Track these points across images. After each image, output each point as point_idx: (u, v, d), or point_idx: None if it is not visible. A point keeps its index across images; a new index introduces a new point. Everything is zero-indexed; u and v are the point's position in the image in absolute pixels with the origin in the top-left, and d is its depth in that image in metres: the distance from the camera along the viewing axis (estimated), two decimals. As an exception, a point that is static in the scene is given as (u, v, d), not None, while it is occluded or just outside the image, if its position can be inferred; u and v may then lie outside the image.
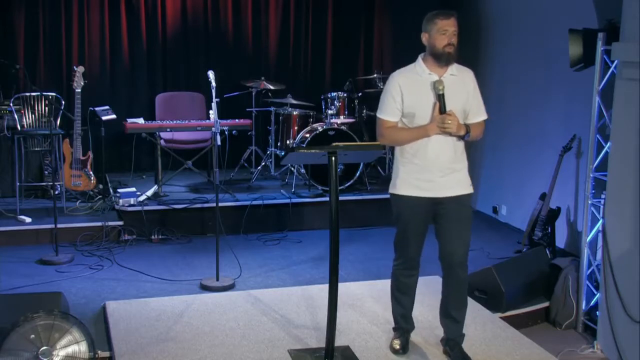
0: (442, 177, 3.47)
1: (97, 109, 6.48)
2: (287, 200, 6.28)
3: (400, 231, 3.60)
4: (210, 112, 4.86)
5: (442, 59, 3.41)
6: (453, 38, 3.39)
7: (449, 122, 3.37)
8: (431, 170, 3.46)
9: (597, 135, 4.52)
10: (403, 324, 3.79)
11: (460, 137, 3.47)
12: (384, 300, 4.52)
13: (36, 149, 6.46)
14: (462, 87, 3.49)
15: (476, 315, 4.23)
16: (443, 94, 3.38)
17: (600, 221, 4.43)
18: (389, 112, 3.50)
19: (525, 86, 6.11)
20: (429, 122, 3.42)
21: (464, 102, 3.49)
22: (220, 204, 5.09)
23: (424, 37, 3.44)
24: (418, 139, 3.45)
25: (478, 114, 3.56)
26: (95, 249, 5.59)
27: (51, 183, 5.96)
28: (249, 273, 5.12)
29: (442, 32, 3.37)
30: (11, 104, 6.42)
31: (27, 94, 6.51)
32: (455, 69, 3.48)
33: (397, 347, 3.73)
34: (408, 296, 3.74)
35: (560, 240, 5.53)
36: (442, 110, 3.38)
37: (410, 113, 3.46)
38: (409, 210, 3.53)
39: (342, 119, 6.88)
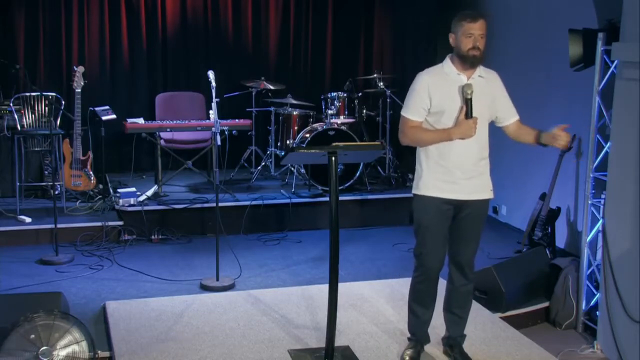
0: (466, 180, 3.43)
1: (97, 109, 6.49)
2: (287, 200, 6.28)
3: (422, 237, 3.51)
4: (210, 112, 4.86)
5: (467, 62, 3.35)
6: (479, 41, 3.32)
7: (472, 126, 3.36)
8: (455, 172, 3.41)
9: (597, 135, 4.52)
10: (419, 337, 3.71)
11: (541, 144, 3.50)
12: (384, 300, 4.53)
13: (36, 149, 6.46)
14: (488, 90, 3.44)
15: (476, 315, 4.22)
16: (471, 99, 3.32)
17: (600, 221, 4.43)
18: (414, 111, 3.44)
19: (525, 86, 6.10)
20: (453, 126, 3.37)
21: (490, 105, 3.45)
22: (220, 204, 5.09)
23: (451, 38, 3.39)
24: (440, 141, 3.40)
25: (512, 115, 3.54)
26: (95, 249, 5.59)
27: (51, 183, 5.96)
28: (249, 273, 5.12)
29: (468, 35, 3.31)
30: (11, 104, 6.41)
31: (27, 94, 6.51)
32: (483, 71, 3.44)
33: (407, 358, 3.66)
34: (427, 309, 3.65)
35: (560, 240, 5.52)
36: (469, 114, 3.33)
37: (437, 112, 3.41)
38: (431, 211, 3.45)
39: (342, 119, 6.88)
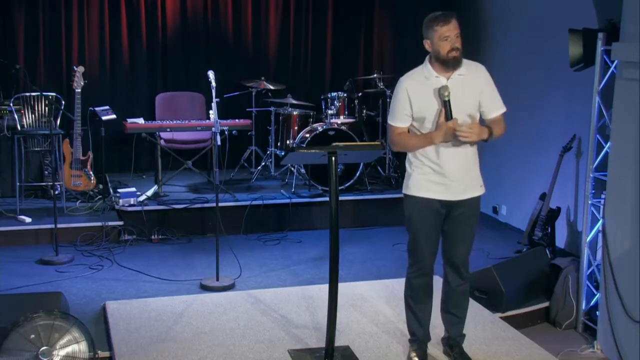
0: (455, 181, 3.41)
1: (97, 109, 6.49)
2: (287, 200, 6.28)
3: (413, 235, 3.52)
4: (210, 112, 4.86)
5: (449, 65, 3.33)
6: (456, 42, 3.30)
7: (470, 131, 3.29)
8: (444, 173, 3.40)
9: (597, 135, 4.52)
10: (420, 336, 3.69)
11: (485, 140, 3.39)
12: (384, 300, 4.53)
13: (36, 149, 6.46)
14: (472, 85, 3.40)
15: (476, 315, 4.23)
16: (449, 100, 3.30)
17: (600, 221, 4.42)
18: (398, 118, 3.44)
19: (525, 86, 6.11)
20: (435, 130, 3.36)
21: (475, 100, 3.42)
22: (220, 204, 5.09)
23: (427, 44, 3.36)
24: (426, 146, 3.40)
25: (496, 108, 3.47)
26: (95, 249, 5.59)
27: (51, 183, 5.96)
28: (249, 273, 5.12)
29: (444, 38, 3.28)
30: (11, 104, 6.42)
31: (27, 94, 6.51)
32: (463, 67, 3.39)
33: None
34: (424, 304, 3.64)
35: (560, 240, 5.52)
36: (449, 116, 3.31)
37: (419, 117, 3.40)
38: (421, 212, 3.46)
39: (342, 119, 6.88)
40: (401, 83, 3.44)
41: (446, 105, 3.31)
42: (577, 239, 5.30)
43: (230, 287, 4.79)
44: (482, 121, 3.50)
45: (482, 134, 3.37)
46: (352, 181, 6.50)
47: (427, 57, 3.43)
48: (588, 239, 4.60)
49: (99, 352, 3.64)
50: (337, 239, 3.46)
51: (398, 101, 3.43)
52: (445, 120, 3.32)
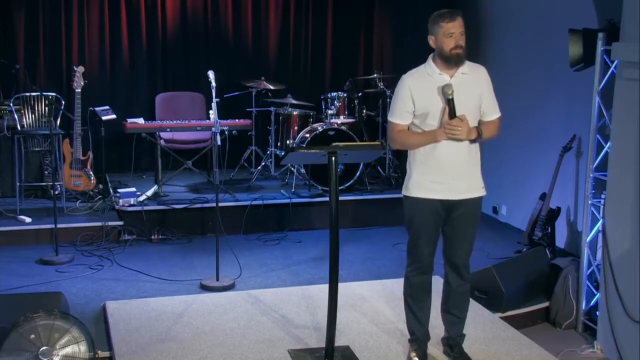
0: (455, 180, 3.41)
1: (97, 109, 6.49)
2: (287, 200, 6.28)
3: (413, 235, 3.53)
4: (210, 112, 4.86)
5: (451, 62, 3.34)
6: (460, 40, 3.31)
7: (459, 129, 3.31)
8: (444, 172, 3.40)
9: (597, 135, 4.52)
10: (420, 335, 3.69)
11: (472, 141, 3.41)
12: (383, 300, 4.53)
13: (36, 149, 6.46)
14: (474, 86, 3.42)
15: (476, 315, 4.23)
16: (452, 99, 3.31)
17: (600, 221, 4.43)
18: (399, 115, 3.45)
19: (525, 86, 6.11)
20: (439, 127, 3.36)
21: (477, 100, 3.43)
22: (220, 204, 5.09)
23: (431, 40, 3.37)
24: (428, 143, 3.40)
25: (492, 112, 3.49)
26: (95, 249, 5.59)
27: (51, 183, 5.96)
28: (249, 273, 5.12)
29: (449, 35, 3.30)
30: (11, 104, 6.42)
31: (27, 94, 6.51)
32: (467, 67, 3.40)
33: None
34: (423, 303, 3.64)
35: (560, 240, 5.52)
36: (452, 115, 3.31)
37: (422, 115, 3.40)
38: (422, 213, 3.46)
39: (342, 119, 6.88)
40: (403, 80, 3.44)
41: (450, 103, 3.32)
42: (577, 239, 5.30)
43: (230, 287, 4.79)
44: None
45: (471, 134, 3.38)
46: (352, 181, 6.50)
47: (431, 55, 3.44)
48: (588, 239, 4.60)
49: (99, 352, 3.64)
50: (337, 239, 3.46)
51: (400, 98, 3.43)
52: (449, 118, 3.33)
